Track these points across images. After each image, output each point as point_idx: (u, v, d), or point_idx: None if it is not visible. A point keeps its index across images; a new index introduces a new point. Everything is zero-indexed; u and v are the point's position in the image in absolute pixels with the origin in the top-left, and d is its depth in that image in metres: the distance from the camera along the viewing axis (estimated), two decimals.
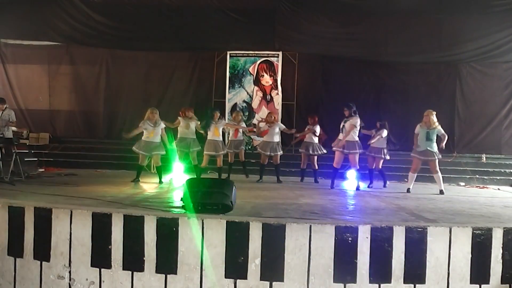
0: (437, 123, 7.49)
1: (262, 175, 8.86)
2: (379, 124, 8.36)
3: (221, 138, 8.70)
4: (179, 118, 8.39)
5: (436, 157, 7.43)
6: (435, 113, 7.52)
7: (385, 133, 8.25)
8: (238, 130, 9.14)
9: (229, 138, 9.42)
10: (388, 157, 8.43)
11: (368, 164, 8.57)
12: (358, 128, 7.65)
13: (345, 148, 7.61)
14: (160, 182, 7.79)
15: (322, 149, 9.07)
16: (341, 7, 11.54)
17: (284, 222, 3.85)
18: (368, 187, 8.30)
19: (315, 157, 9.11)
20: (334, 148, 7.79)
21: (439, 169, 7.60)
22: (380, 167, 8.46)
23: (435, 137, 7.47)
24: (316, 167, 9.19)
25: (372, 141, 8.27)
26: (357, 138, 7.66)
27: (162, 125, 7.95)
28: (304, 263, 3.76)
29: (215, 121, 8.52)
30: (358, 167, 7.80)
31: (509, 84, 11.51)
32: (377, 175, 8.72)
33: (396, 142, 8.70)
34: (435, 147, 7.46)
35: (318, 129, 9.02)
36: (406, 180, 9.81)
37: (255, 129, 9.52)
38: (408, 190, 7.52)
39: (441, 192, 7.39)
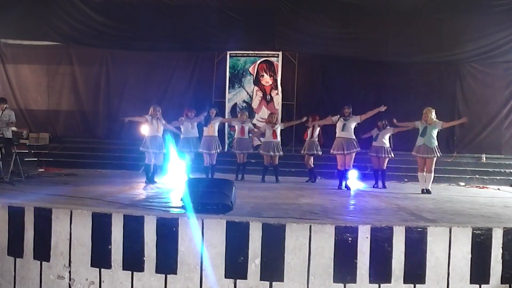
0: (435, 119, 7.46)
1: (264, 176, 8.88)
2: (383, 124, 8.34)
3: (216, 135, 8.67)
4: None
5: (435, 155, 7.37)
6: (434, 110, 7.50)
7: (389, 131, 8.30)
8: (244, 129, 9.12)
9: (235, 136, 9.39)
10: (392, 155, 8.39)
11: (372, 164, 8.58)
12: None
13: (345, 149, 7.68)
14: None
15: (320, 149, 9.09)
16: (341, 7, 11.55)
17: (284, 222, 3.84)
18: (373, 187, 8.31)
19: (312, 156, 9.12)
20: (334, 152, 7.85)
21: (437, 169, 7.57)
22: (385, 167, 8.42)
23: (434, 134, 7.42)
24: (312, 166, 9.20)
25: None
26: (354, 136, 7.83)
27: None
28: (304, 263, 3.76)
29: (212, 118, 8.55)
30: (351, 167, 7.87)
31: (510, 84, 11.52)
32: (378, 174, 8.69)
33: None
34: (434, 144, 7.41)
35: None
36: (406, 180, 9.86)
37: (256, 129, 9.52)
38: (422, 191, 7.37)
39: (428, 191, 7.33)
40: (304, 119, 9.14)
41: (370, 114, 7.84)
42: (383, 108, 7.74)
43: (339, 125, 7.83)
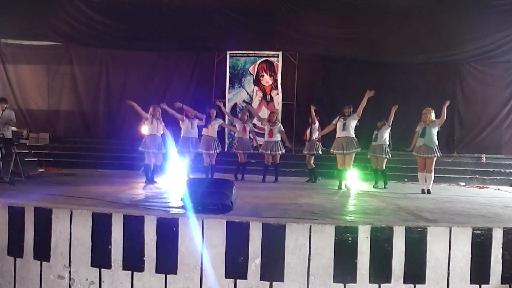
0: (434, 119, 7.46)
1: (265, 175, 8.88)
2: (382, 124, 8.36)
3: (215, 136, 8.68)
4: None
5: (435, 155, 7.36)
6: (433, 111, 7.51)
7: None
8: (246, 128, 9.10)
9: (236, 135, 9.37)
10: (390, 156, 8.39)
11: (372, 164, 8.59)
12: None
13: (345, 149, 7.68)
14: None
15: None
16: (341, 7, 11.55)
17: (284, 222, 3.84)
18: (373, 187, 8.32)
19: (313, 157, 9.12)
20: (334, 152, 7.86)
21: (437, 169, 7.56)
22: (384, 167, 8.42)
23: (434, 133, 7.42)
24: (313, 166, 9.19)
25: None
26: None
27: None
28: (304, 263, 3.76)
29: (212, 118, 8.55)
30: (351, 167, 7.86)
31: (510, 84, 11.53)
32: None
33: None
34: (435, 143, 7.40)
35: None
36: (406, 180, 9.87)
37: (255, 129, 9.53)
38: (422, 191, 7.37)
39: (428, 191, 7.33)
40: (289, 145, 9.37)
41: (362, 104, 7.73)
42: (372, 93, 7.66)
43: (339, 125, 7.83)
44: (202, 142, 8.51)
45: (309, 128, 9.04)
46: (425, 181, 7.42)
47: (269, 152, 8.83)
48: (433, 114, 7.48)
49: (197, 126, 8.54)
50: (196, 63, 12.31)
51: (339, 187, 7.87)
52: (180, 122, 8.50)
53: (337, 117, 7.93)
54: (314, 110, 8.87)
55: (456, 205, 5.92)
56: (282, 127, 9.11)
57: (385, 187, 8.22)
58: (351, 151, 7.72)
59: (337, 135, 7.85)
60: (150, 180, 7.68)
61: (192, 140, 8.44)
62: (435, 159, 7.41)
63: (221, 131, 10.07)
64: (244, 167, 9.10)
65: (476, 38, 11.30)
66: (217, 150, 8.61)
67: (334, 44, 11.65)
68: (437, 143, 7.44)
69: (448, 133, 11.25)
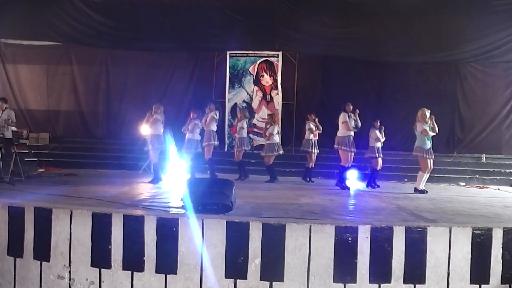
0: (417, 121, 7.48)
1: (275, 175, 8.89)
2: (378, 123, 8.36)
3: (210, 128, 8.65)
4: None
5: (417, 153, 7.39)
6: (419, 113, 7.48)
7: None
8: (236, 127, 9.12)
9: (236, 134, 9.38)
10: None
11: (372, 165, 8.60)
12: None
13: (353, 147, 7.74)
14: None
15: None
16: (341, 7, 11.54)
17: (284, 222, 3.85)
18: (371, 187, 8.33)
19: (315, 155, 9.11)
20: (343, 148, 7.84)
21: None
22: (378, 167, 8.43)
23: (417, 134, 7.46)
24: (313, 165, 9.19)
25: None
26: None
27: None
28: (304, 263, 3.76)
29: (211, 110, 8.58)
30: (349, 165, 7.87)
31: (510, 84, 11.52)
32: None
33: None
34: (416, 143, 7.44)
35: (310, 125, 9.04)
36: (406, 180, 9.88)
37: (254, 129, 9.53)
38: (422, 192, 7.42)
39: (415, 190, 7.41)
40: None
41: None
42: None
43: (350, 123, 7.77)
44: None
45: (306, 127, 9.03)
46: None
47: (261, 153, 8.93)
48: (417, 117, 7.51)
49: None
50: (196, 63, 12.30)
51: (344, 187, 7.83)
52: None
53: (345, 115, 7.74)
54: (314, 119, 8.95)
55: (456, 205, 5.92)
56: (272, 129, 8.85)
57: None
58: (355, 150, 7.78)
59: (349, 133, 7.74)
60: (159, 178, 7.71)
61: (194, 141, 8.44)
62: (422, 159, 7.47)
63: (221, 131, 10.04)
64: (240, 165, 9.07)
65: (476, 38, 11.28)
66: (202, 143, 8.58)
67: (334, 44, 11.63)
68: None
69: (448, 133, 11.25)
